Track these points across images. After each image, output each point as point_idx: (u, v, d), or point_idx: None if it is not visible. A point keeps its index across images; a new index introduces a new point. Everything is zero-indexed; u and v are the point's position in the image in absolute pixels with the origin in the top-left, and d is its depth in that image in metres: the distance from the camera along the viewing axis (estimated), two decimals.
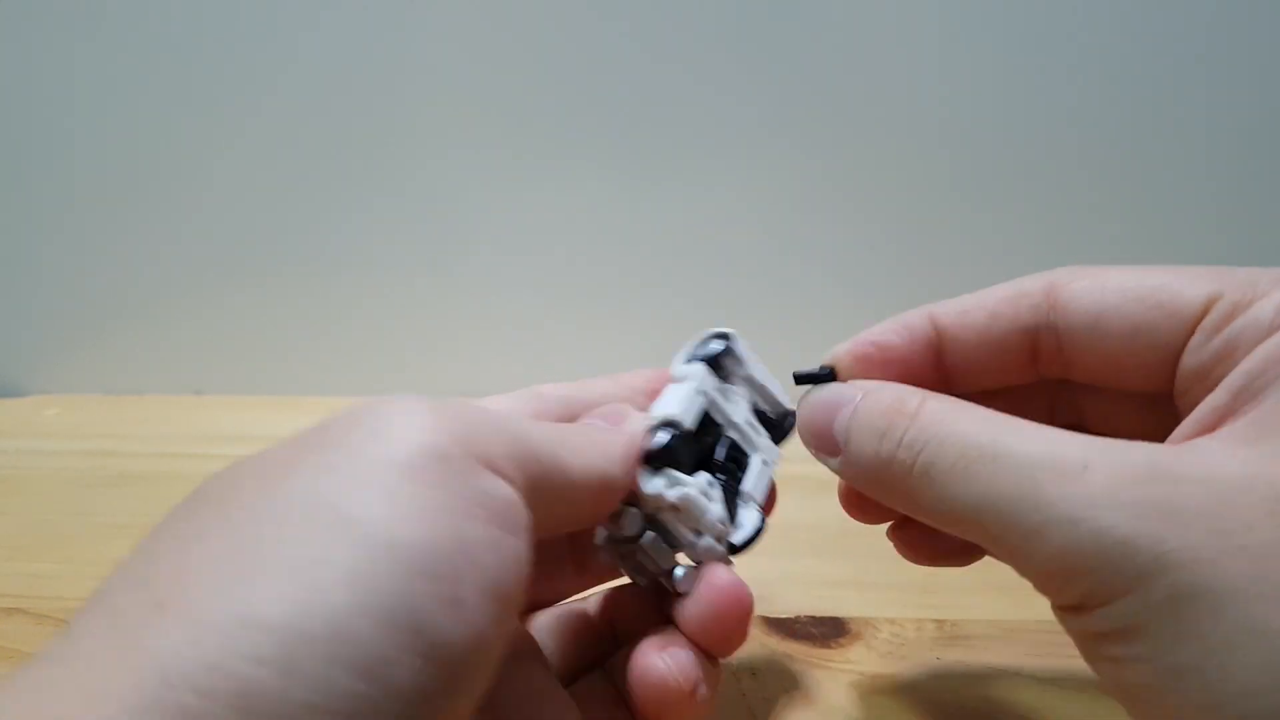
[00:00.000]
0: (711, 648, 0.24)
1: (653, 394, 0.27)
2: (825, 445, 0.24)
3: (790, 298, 0.55)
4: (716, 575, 0.24)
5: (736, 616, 0.24)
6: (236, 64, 0.52)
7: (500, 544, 0.17)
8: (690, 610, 0.24)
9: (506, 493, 0.18)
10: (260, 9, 0.51)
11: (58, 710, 0.14)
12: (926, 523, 0.22)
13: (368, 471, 0.17)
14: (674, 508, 0.24)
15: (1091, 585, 0.18)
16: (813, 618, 0.34)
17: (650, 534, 0.24)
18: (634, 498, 0.24)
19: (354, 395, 0.56)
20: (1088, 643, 0.19)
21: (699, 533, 0.24)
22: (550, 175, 0.53)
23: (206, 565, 0.16)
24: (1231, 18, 0.47)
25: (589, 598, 0.28)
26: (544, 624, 0.26)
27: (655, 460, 0.24)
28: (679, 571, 0.24)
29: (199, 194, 0.55)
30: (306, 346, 0.59)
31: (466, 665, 0.16)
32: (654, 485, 0.24)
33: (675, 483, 0.24)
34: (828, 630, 0.33)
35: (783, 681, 0.30)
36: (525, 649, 0.24)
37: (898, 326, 0.25)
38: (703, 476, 0.24)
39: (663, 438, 0.24)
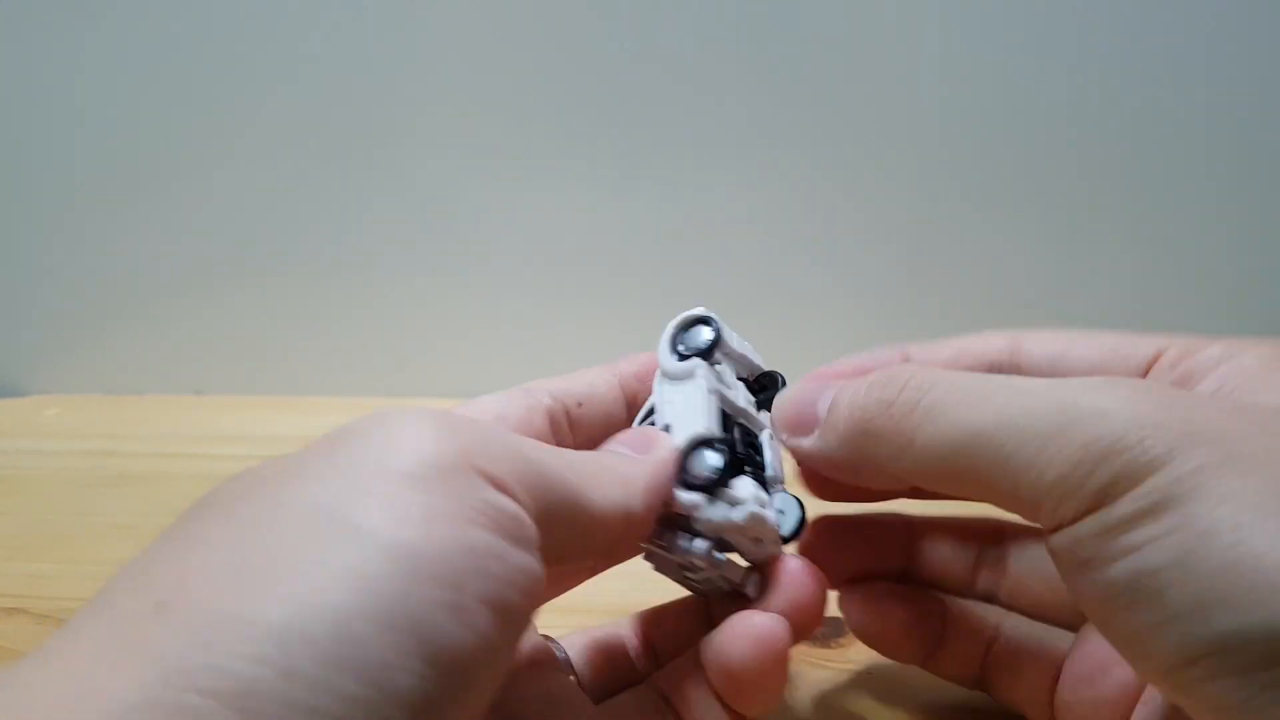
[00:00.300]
0: (796, 633, 0.24)
1: (644, 378, 0.26)
2: (803, 423, 0.24)
3: (790, 297, 0.55)
4: (792, 568, 0.24)
5: (819, 598, 0.24)
6: (237, 65, 0.52)
7: (506, 555, 0.17)
8: (773, 605, 0.24)
9: (511, 507, 0.18)
10: (260, 9, 0.51)
11: (55, 706, 0.14)
12: (907, 477, 0.22)
13: (370, 479, 0.17)
14: (739, 529, 0.23)
15: (1121, 468, 0.17)
16: None
17: (722, 556, 0.23)
18: (683, 521, 0.23)
19: (354, 395, 0.56)
20: (1103, 540, 0.18)
21: (759, 540, 0.24)
22: (550, 176, 0.53)
23: (208, 566, 0.16)
24: (1234, 20, 0.47)
25: (620, 622, 0.27)
26: (573, 646, 0.26)
27: (711, 487, 0.23)
28: (752, 580, 0.24)
29: (199, 194, 0.55)
30: (306, 346, 0.59)
31: (471, 673, 0.16)
32: (718, 512, 0.23)
33: (735, 501, 0.23)
34: (828, 630, 0.33)
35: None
36: (543, 658, 0.24)
37: (867, 357, 0.26)
38: (748, 483, 0.23)
39: (715, 461, 0.23)
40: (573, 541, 0.20)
